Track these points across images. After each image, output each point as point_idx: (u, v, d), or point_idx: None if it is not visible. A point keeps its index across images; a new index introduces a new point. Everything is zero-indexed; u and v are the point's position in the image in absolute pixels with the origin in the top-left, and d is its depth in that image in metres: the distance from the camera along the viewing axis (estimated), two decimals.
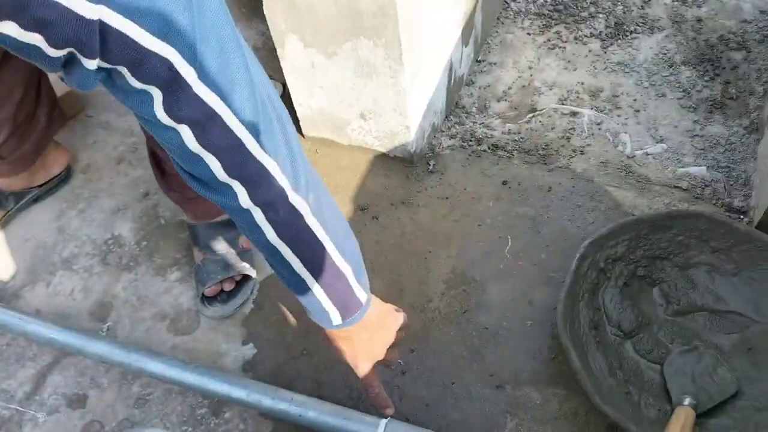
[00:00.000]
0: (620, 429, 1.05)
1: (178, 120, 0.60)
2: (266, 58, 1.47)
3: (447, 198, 1.35)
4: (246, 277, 1.25)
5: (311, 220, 0.74)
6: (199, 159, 0.64)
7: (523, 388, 1.12)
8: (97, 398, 1.16)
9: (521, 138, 1.44)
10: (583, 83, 1.51)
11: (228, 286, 1.23)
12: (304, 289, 0.81)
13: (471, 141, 1.44)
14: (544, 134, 1.44)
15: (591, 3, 1.65)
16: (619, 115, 1.45)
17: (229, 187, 0.68)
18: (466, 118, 1.49)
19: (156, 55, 0.53)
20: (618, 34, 1.58)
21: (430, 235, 1.30)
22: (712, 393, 1.05)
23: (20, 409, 1.16)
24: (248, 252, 1.27)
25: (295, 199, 0.71)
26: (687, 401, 1.02)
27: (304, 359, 1.18)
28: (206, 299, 1.23)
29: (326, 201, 0.77)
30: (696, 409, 1.03)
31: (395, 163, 1.40)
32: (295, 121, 1.43)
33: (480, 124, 1.47)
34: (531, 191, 1.34)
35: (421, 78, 1.25)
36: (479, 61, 1.58)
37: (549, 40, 1.60)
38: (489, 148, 1.42)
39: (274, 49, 1.28)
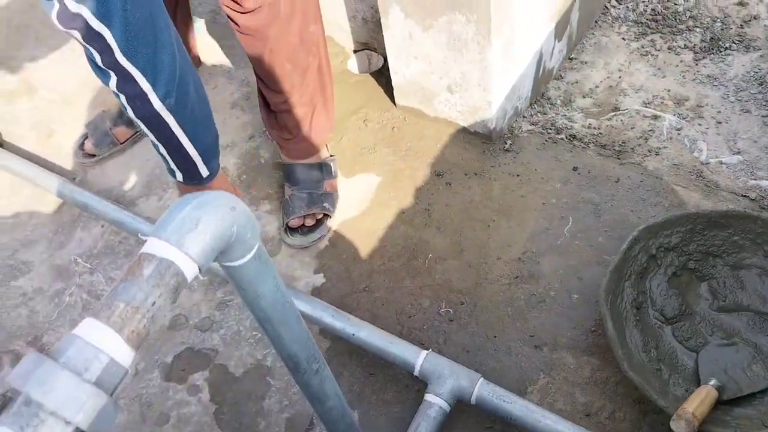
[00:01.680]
0: (647, 402, 1.11)
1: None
2: (373, 31, 1.62)
3: (518, 175, 1.45)
4: (326, 216, 1.40)
5: (164, 113, 1.01)
6: (87, 48, 0.92)
7: (560, 352, 1.20)
8: (187, 297, 1.35)
9: (600, 133, 1.51)
10: (669, 90, 1.57)
11: (309, 222, 1.39)
12: (160, 153, 1.10)
13: (550, 129, 1.53)
14: (623, 132, 1.51)
15: (690, 17, 1.70)
16: (700, 124, 1.50)
17: (107, 73, 0.95)
18: (550, 108, 1.58)
19: None
20: (712, 49, 1.62)
21: (496, 205, 1.41)
22: (742, 385, 1.10)
23: None
24: (331, 194, 1.42)
25: (153, 98, 0.98)
26: (712, 382, 1.08)
27: (365, 294, 1.32)
28: (289, 229, 1.39)
29: (192, 106, 1.04)
30: (722, 394, 1.08)
31: (474, 138, 1.51)
32: (390, 90, 1.58)
33: (562, 116, 1.56)
34: (599, 180, 1.42)
35: (509, 59, 1.36)
36: (571, 59, 1.66)
37: (642, 47, 1.66)
38: (566, 138, 1.51)
39: (380, 24, 1.43)
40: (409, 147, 1.53)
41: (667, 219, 1.22)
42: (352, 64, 1.70)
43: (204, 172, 1.15)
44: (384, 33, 1.42)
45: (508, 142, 1.50)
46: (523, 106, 1.54)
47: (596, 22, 1.73)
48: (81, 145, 1.61)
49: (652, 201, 1.37)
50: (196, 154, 1.10)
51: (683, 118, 1.51)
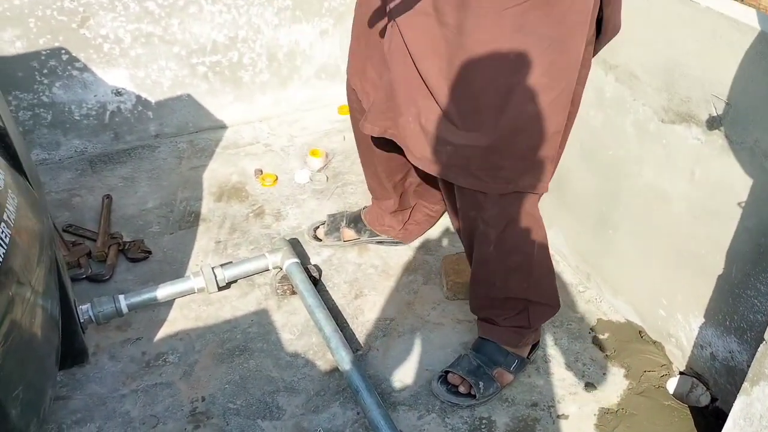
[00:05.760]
0: None
1: None
2: (716, 370, 1.42)
3: None
4: (471, 396, 1.46)
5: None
6: None
7: None
8: None
9: None
10: None
11: (463, 389, 1.47)
12: None
13: None
14: None
15: None
16: None
17: None
18: None
19: None
20: None
21: None
22: None
23: None
24: (493, 383, 1.47)
25: None
26: None
27: None
28: (443, 378, 1.50)
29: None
30: None
31: None
32: None
33: None
34: None
35: None
36: None
37: None
38: None
39: (732, 371, 1.23)
40: None
41: None
42: (672, 384, 1.52)
43: None
44: (739, 395, 1.22)
45: None
46: None
47: None
48: (316, 228, 1.91)
49: None
50: None
51: None
